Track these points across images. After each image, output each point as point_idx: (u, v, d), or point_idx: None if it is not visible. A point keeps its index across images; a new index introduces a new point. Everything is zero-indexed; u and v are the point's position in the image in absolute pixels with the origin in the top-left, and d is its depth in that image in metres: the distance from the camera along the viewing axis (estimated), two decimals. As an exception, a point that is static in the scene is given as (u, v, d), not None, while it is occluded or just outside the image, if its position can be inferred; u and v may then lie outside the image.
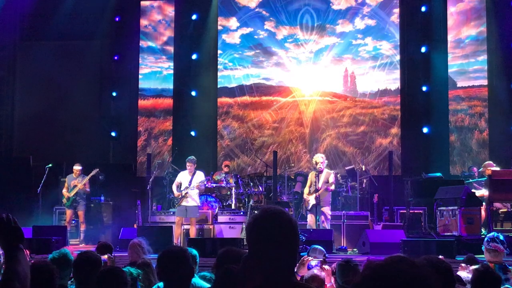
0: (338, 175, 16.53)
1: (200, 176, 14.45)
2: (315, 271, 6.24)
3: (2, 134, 19.40)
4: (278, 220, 2.67)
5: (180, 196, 14.31)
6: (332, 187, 14.05)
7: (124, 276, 4.82)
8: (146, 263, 6.79)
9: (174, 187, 14.62)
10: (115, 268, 5.10)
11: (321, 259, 7.46)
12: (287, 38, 20.09)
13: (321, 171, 14.00)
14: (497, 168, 14.15)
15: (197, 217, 14.61)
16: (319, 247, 8.56)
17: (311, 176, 14.22)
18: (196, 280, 5.62)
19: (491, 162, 14.66)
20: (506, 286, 5.86)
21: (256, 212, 2.83)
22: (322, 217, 13.84)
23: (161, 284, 5.58)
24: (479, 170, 15.11)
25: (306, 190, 14.30)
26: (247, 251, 2.81)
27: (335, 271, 6.01)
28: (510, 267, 6.87)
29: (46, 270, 4.13)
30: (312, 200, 13.86)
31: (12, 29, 19.60)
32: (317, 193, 13.74)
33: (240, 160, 19.87)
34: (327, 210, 13.95)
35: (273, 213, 2.70)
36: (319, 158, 14.20)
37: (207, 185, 16.23)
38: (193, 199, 14.31)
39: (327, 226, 13.76)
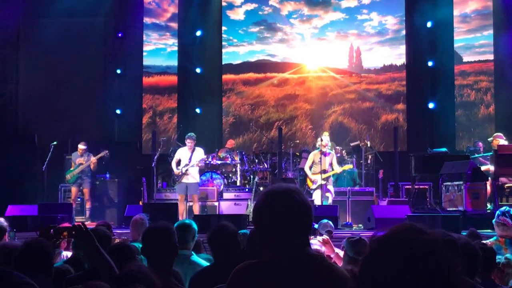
0: (343, 151, 16.53)
1: (200, 153, 14.38)
2: (316, 246, 6.27)
3: (7, 113, 19.35)
4: (287, 198, 2.66)
5: (180, 174, 14.27)
6: (344, 168, 14.41)
7: (133, 250, 4.82)
8: None
9: (173, 164, 14.53)
10: (124, 243, 5.11)
11: (326, 235, 7.50)
12: (292, 13, 19.98)
13: (326, 154, 14.13)
14: (505, 142, 14.12)
15: (198, 193, 14.56)
16: (327, 221, 8.61)
17: (315, 156, 14.26)
18: (194, 257, 5.61)
19: (501, 134, 14.57)
20: None
21: (260, 192, 2.83)
22: (328, 194, 14.03)
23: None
24: (488, 139, 15.04)
25: (309, 169, 14.36)
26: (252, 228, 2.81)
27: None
28: None
29: (39, 248, 4.12)
30: (319, 180, 14.00)
31: (15, 7, 19.48)
32: (326, 175, 13.97)
33: (246, 137, 19.84)
34: (332, 188, 14.24)
35: (281, 191, 2.70)
36: (326, 138, 14.39)
37: (212, 162, 16.23)
38: (193, 176, 14.27)
39: (330, 201, 13.87)
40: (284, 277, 2.59)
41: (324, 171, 13.92)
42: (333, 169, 14.15)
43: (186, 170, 14.17)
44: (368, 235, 10.06)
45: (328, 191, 14.10)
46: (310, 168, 14.35)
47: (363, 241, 5.90)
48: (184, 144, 14.89)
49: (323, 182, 13.96)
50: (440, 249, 1.75)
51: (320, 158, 13.99)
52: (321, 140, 14.27)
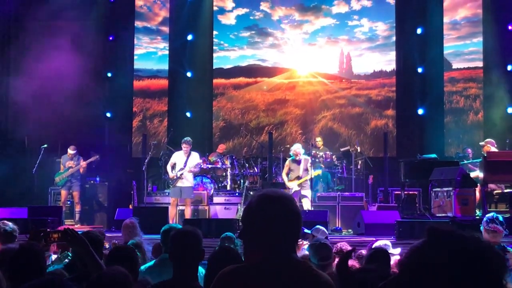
0: (333, 156, 16.57)
1: (195, 157, 14.45)
2: (306, 252, 6.28)
3: (-3, 115, 19.31)
4: (282, 205, 2.68)
5: (175, 178, 14.31)
6: (313, 174, 14.67)
7: (135, 255, 4.87)
8: (137, 244, 6.84)
9: (168, 168, 14.62)
10: (127, 247, 5.15)
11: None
12: (283, 19, 20.03)
13: (299, 161, 14.62)
14: (496, 150, 14.19)
15: (192, 198, 14.63)
16: (322, 227, 8.66)
17: (290, 164, 14.81)
18: None
19: (493, 141, 14.64)
20: None
21: (254, 194, 2.84)
22: (305, 199, 14.44)
23: (150, 263, 5.64)
24: (480, 143, 15.10)
25: (287, 176, 14.67)
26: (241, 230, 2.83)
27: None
28: (508, 248, 6.92)
29: (33, 251, 4.14)
30: (295, 187, 14.48)
31: (6, 10, 19.44)
32: (300, 181, 14.50)
33: (236, 141, 19.87)
34: (308, 193, 14.53)
35: (277, 197, 2.72)
36: (299, 149, 14.82)
37: (202, 166, 16.24)
38: (188, 180, 14.33)
39: (309, 207, 14.20)
40: (269, 282, 2.59)
41: (298, 177, 14.51)
42: (308, 174, 14.44)
43: (181, 174, 14.22)
44: (356, 240, 10.15)
45: (305, 196, 14.48)
46: (288, 174, 14.82)
47: (326, 245, 5.89)
48: (175, 148, 14.91)
49: (297, 189, 14.44)
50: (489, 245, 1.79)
51: (294, 165, 14.64)
52: (292, 150, 14.91)
